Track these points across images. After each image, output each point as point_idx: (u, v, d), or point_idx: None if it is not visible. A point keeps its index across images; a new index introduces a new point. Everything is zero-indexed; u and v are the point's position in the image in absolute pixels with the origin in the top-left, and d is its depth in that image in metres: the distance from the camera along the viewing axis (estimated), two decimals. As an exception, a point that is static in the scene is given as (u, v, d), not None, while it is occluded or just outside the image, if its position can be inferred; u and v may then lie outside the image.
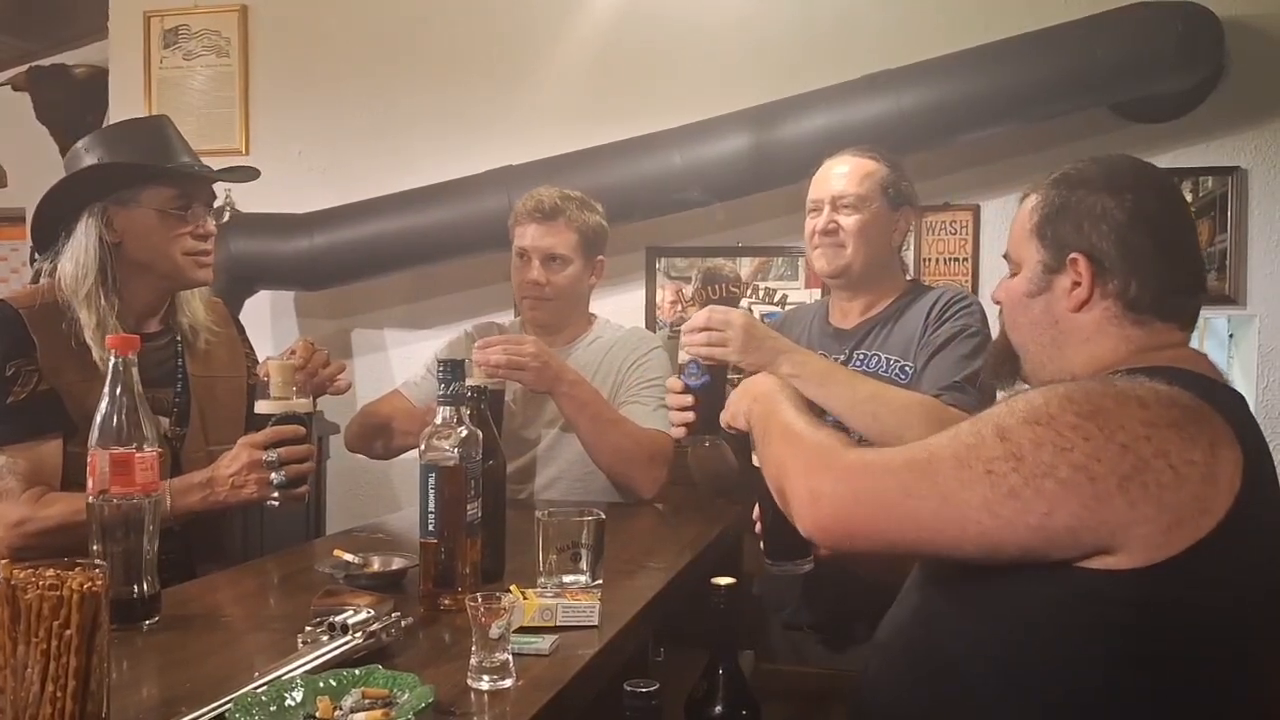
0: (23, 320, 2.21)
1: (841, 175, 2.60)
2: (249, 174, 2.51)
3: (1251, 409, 1.58)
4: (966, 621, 1.53)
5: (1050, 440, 1.36)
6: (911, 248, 4.00)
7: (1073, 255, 1.62)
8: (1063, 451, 1.35)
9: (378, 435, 2.89)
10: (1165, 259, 1.60)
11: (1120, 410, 1.37)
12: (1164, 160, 3.91)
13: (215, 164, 2.46)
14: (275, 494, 2.18)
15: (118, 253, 2.27)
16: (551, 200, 2.92)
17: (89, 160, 2.31)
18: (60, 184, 2.30)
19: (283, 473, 2.18)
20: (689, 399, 2.28)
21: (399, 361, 4.37)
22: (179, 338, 2.42)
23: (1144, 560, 1.34)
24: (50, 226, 2.30)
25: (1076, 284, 1.62)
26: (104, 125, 5.30)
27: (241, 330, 2.66)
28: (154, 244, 2.28)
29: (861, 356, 2.56)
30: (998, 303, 1.80)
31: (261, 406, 2.24)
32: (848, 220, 2.55)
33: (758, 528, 1.93)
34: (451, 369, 1.85)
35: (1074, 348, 1.64)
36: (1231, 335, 4.05)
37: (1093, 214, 1.62)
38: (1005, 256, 1.78)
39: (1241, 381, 3.90)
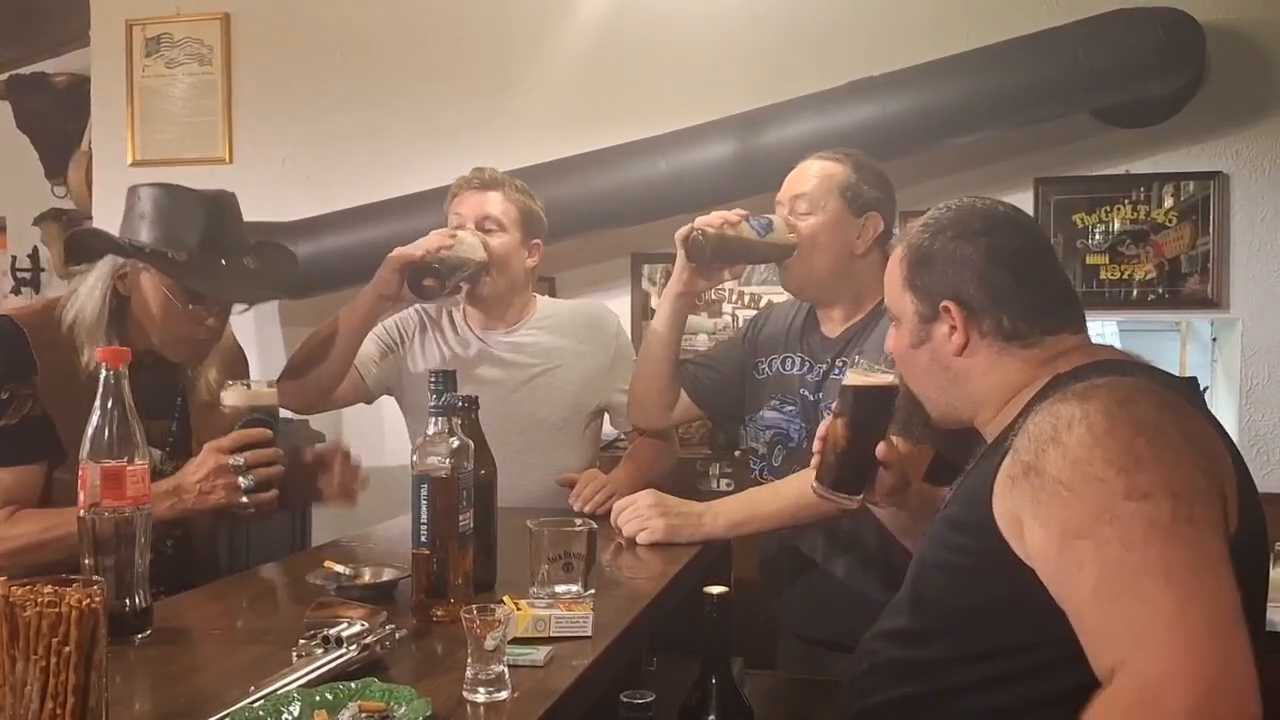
0: (26, 339, 2.19)
1: (802, 177, 2.59)
2: (275, 287, 2.50)
3: (1235, 412, 1.62)
4: (952, 633, 1.55)
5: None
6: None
7: (944, 303, 1.68)
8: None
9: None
10: (1028, 290, 1.67)
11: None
12: (1146, 165, 3.95)
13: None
14: (244, 499, 2.14)
15: (125, 304, 2.28)
16: (492, 173, 2.93)
17: (140, 208, 2.30)
18: (94, 231, 2.35)
19: (250, 477, 2.14)
20: None
21: (384, 369, 4.35)
22: (187, 372, 2.41)
23: None
24: (78, 254, 2.30)
25: (953, 329, 1.68)
26: (84, 134, 5.30)
27: (243, 360, 2.64)
28: (153, 315, 2.27)
29: (841, 364, 2.56)
30: (891, 354, 1.84)
31: (227, 397, 2.22)
32: (803, 223, 2.54)
33: (817, 445, 1.98)
34: (443, 380, 1.85)
35: (975, 383, 1.69)
36: (1215, 339, 4.08)
37: (954, 260, 1.68)
38: (886, 309, 1.82)
39: (1225, 385, 3.92)
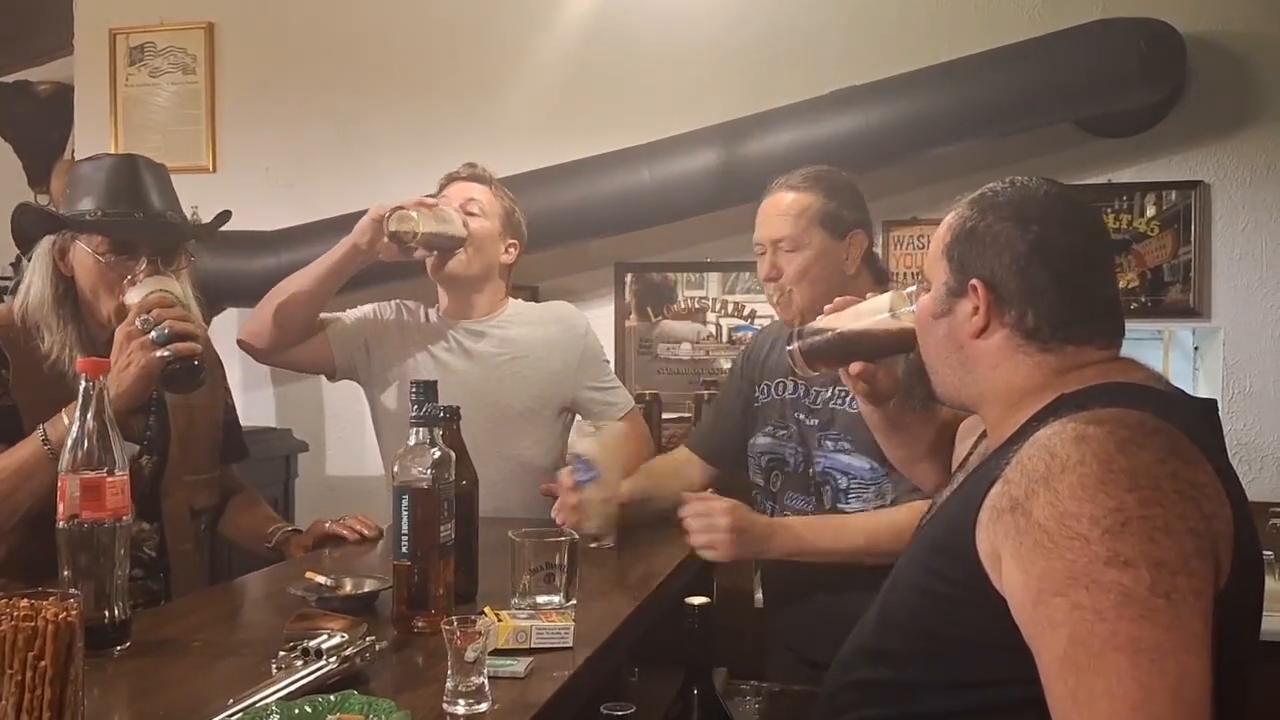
0: None
1: (776, 216, 2.56)
2: (195, 236, 2.44)
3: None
4: (924, 659, 1.54)
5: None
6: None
7: (973, 281, 1.62)
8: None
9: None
10: (1065, 292, 1.59)
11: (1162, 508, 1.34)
12: (1128, 175, 3.96)
13: (185, 181, 2.44)
14: (164, 351, 2.09)
15: (71, 284, 2.28)
16: (483, 168, 3.02)
17: (73, 183, 2.33)
18: (23, 210, 2.34)
19: (163, 327, 2.10)
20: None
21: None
22: None
23: None
24: (22, 242, 2.33)
25: (976, 309, 1.62)
26: (68, 143, 5.29)
27: (219, 364, 2.64)
28: (92, 286, 2.28)
29: (842, 391, 2.53)
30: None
31: (130, 295, 2.20)
32: (790, 265, 2.52)
33: (829, 308, 2.08)
34: (425, 390, 1.85)
35: (984, 373, 1.64)
36: (1196, 348, 4.09)
37: (997, 242, 1.61)
38: (920, 272, 1.78)
39: (1207, 394, 3.91)
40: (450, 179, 3.00)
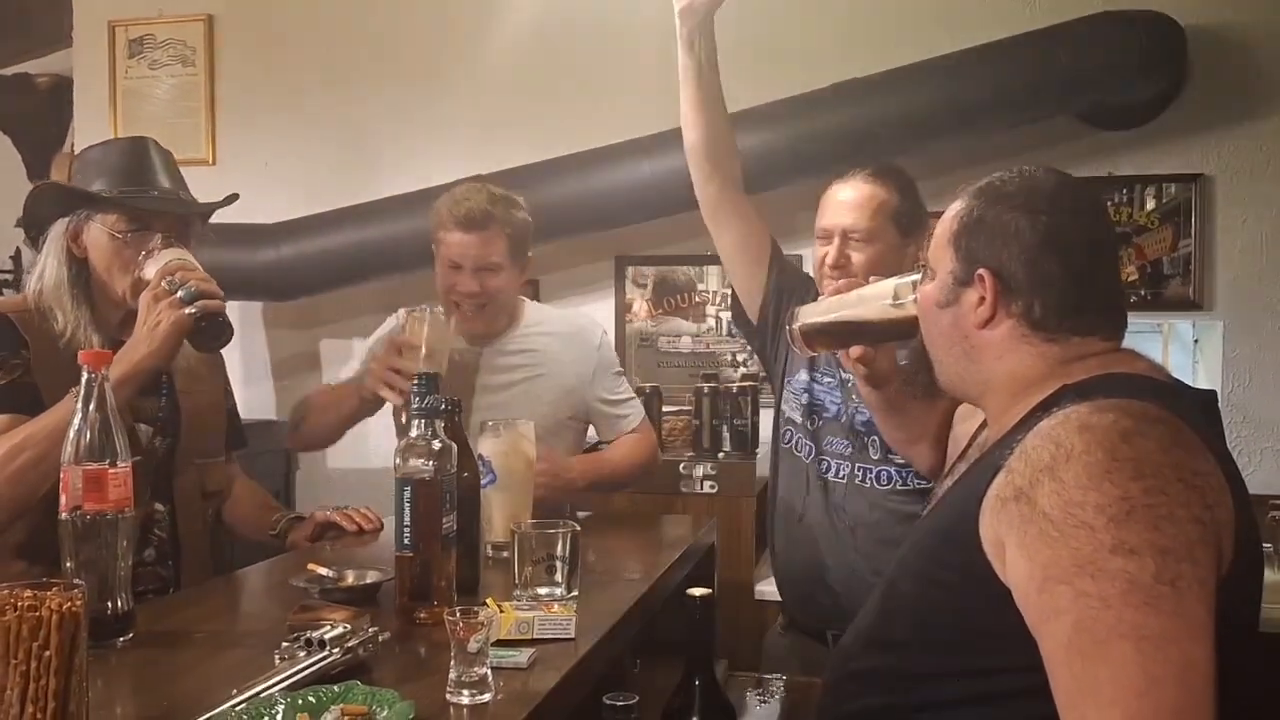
0: (13, 323, 2.21)
1: (852, 207, 2.53)
2: (206, 210, 2.44)
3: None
4: (925, 648, 1.54)
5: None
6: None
7: (980, 271, 1.61)
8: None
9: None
10: (1073, 283, 1.58)
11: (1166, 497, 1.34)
12: (1129, 167, 3.97)
13: (185, 174, 2.44)
14: (191, 309, 2.10)
15: (85, 266, 2.28)
16: (481, 207, 2.80)
17: (80, 168, 2.34)
18: (38, 191, 2.35)
19: (189, 286, 2.11)
20: None
21: (368, 372, 4.36)
22: None
23: None
24: (35, 225, 2.34)
25: (982, 299, 1.61)
26: (67, 136, 5.29)
27: (222, 365, 2.65)
28: (106, 265, 2.27)
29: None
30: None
31: (147, 269, 2.21)
32: (859, 256, 2.49)
33: (831, 289, 2.15)
34: (426, 383, 1.85)
35: (989, 363, 1.63)
36: (1196, 340, 4.09)
37: (1006, 232, 1.60)
38: (924, 261, 1.77)
39: (1206, 388, 3.92)
40: (445, 222, 2.82)
